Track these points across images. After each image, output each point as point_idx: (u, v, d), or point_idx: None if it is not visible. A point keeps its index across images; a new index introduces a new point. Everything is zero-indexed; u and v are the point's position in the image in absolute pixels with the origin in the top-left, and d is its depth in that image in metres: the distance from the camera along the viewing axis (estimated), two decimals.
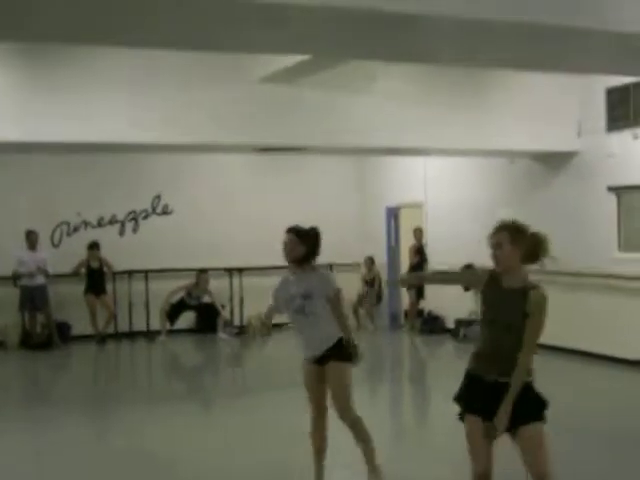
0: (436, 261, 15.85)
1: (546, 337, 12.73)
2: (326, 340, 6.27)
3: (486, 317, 5.18)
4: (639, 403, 9.76)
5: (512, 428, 4.92)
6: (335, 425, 6.39)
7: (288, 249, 6.27)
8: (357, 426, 6.36)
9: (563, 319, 12.80)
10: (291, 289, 6.29)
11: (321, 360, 6.26)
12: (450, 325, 15.40)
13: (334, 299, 6.30)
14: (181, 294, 15.73)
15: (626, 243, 12.06)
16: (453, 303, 15.30)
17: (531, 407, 4.97)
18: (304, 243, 6.23)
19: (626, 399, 9.99)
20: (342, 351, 6.24)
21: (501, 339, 5.02)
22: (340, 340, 6.26)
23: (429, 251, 16.12)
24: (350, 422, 6.34)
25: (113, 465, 7.40)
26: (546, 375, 11.37)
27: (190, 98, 10.52)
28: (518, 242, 5.02)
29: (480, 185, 14.93)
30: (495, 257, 5.06)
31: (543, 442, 4.91)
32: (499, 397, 4.88)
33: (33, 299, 14.61)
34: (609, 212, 12.15)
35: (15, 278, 14.56)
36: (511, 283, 5.05)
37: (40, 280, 14.59)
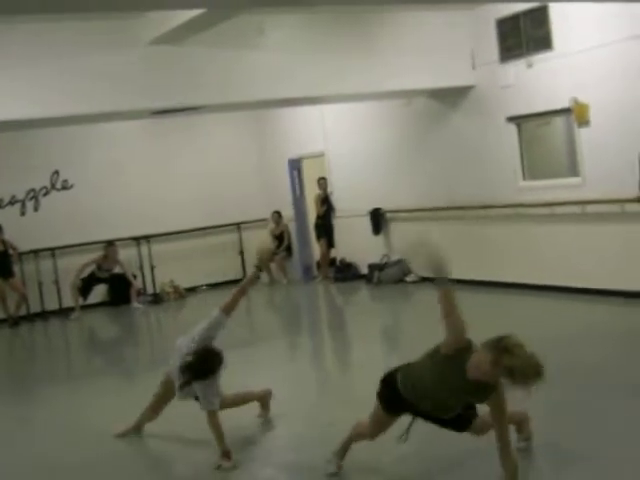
0: (342, 208, 15.94)
1: (461, 272, 12.97)
2: None
3: None
4: (560, 328, 9.93)
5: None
6: None
7: None
8: None
9: (475, 252, 13.06)
10: None
11: None
12: (363, 271, 15.52)
13: None
14: (91, 268, 15.54)
15: (529, 172, 12.26)
16: (364, 249, 15.44)
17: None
18: None
19: (546, 324, 10.19)
20: None
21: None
22: None
23: (335, 199, 16.19)
24: None
25: (35, 444, 7.29)
26: (473, 309, 11.58)
27: (80, 66, 10.29)
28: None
29: (379, 129, 15.01)
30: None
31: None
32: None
33: None
34: (510, 143, 12.32)
35: None
36: None
37: None
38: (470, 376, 4.56)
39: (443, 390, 4.76)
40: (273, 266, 16.86)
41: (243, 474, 5.93)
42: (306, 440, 6.62)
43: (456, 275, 13.49)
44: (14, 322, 14.90)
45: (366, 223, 15.23)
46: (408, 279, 14.39)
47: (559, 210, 11.56)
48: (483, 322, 10.37)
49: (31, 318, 15.37)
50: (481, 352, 4.52)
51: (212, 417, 6.14)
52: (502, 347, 4.42)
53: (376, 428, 5.36)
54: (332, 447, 5.64)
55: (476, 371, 4.52)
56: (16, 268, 15.28)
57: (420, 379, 4.88)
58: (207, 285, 16.93)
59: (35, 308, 15.60)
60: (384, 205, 14.99)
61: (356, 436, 5.54)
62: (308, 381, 9.13)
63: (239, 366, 9.62)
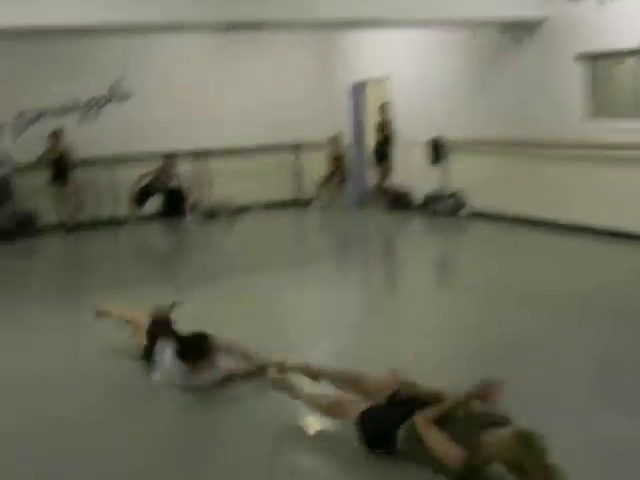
0: (402, 136, 15.79)
1: (517, 208, 12.83)
2: None
3: None
4: (615, 272, 9.81)
5: None
6: None
7: None
8: None
9: (533, 190, 12.89)
10: None
11: None
12: (418, 201, 15.41)
13: None
14: (148, 179, 15.62)
15: (594, 111, 12.00)
16: (421, 179, 15.32)
17: None
18: None
19: (602, 268, 10.08)
20: None
21: None
22: None
23: (395, 126, 16.03)
24: None
25: (83, 351, 7.41)
26: (528, 247, 11.46)
27: None
28: None
29: (444, 59, 14.75)
30: None
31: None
32: None
33: None
34: (576, 81, 12.05)
35: None
36: None
37: (4, 171, 14.42)
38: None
39: None
40: (328, 190, 16.82)
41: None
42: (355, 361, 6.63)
43: (513, 211, 13.44)
44: (69, 228, 15.08)
45: (425, 152, 15.08)
46: (462, 212, 14.28)
47: (623, 153, 11.33)
48: (538, 263, 10.36)
49: (86, 225, 15.53)
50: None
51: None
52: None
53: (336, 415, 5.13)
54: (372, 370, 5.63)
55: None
56: (74, 175, 15.40)
57: None
58: (261, 204, 16.95)
59: (90, 216, 15.75)
60: (444, 135, 14.82)
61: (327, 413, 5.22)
62: (354, 305, 9.15)
63: (288, 286, 9.70)
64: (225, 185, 16.43)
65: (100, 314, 7.47)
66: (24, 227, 14.63)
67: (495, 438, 4.23)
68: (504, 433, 4.22)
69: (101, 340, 7.49)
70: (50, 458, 5.10)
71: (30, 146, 14.85)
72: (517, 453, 4.07)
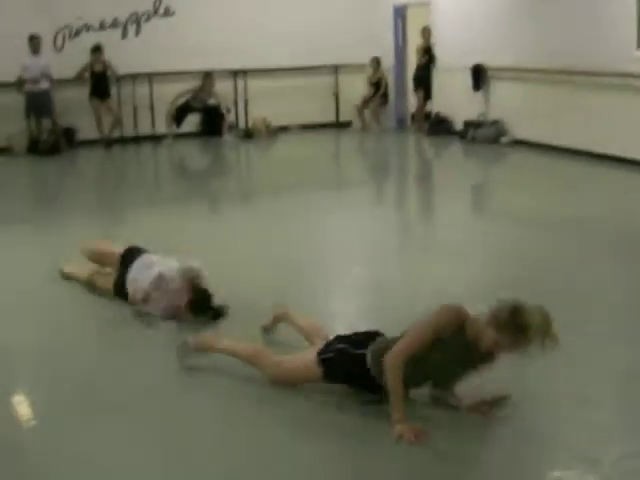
0: (443, 61, 15.61)
1: (563, 138, 12.67)
2: None
3: None
4: None
5: None
6: None
7: None
8: None
9: (579, 120, 12.72)
10: None
11: None
12: (459, 127, 15.30)
13: None
14: (186, 97, 15.59)
15: None
16: (461, 105, 15.18)
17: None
18: None
19: None
20: None
21: None
22: None
23: (437, 51, 15.84)
24: None
25: None
26: (571, 178, 11.37)
27: None
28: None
29: None
30: None
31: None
32: None
33: (38, 105, 14.51)
34: (629, 9, 11.80)
35: (19, 84, 14.42)
36: None
37: (44, 85, 14.44)
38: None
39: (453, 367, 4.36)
40: (367, 113, 16.74)
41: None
42: (385, 285, 6.67)
43: (554, 141, 13.27)
44: (108, 143, 15.13)
45: (466, 78, 14.90)
46: (503, 140, 14.16)
47: None
48: (577, 193, 10.30)
49: (124, 141, 15.58)
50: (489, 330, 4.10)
51: None
52: (518, 327, 4.01)
53: (289, 379, 4.73)
54: (409, 292, 5.65)
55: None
56: (113, 90, 15.41)
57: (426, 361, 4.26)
58: (299, 125, 16.89)
59: (129, 132, 15.78)
60: (487, 61, 14.64)
61: (247, 359, 4.88)
62: (389, 227, 9.18)
63: (324, 208, 9.73)
64: (263, 105, 16.37)
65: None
66: (64, 142, 14.70)
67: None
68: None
69: None
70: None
71: (70, 61, 14.83)
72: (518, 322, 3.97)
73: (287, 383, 4.70)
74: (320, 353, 4.56)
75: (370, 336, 4.52)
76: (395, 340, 4.29)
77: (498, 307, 4.07)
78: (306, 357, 4.64)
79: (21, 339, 5.66)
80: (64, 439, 4.24)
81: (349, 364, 4.46)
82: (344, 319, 5.90)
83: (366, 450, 4.05)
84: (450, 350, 4.16)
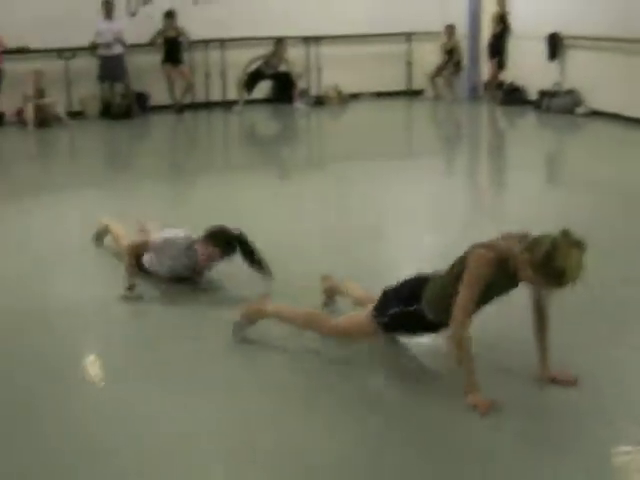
0: (519, 29, 15.34)
1: (636, 109, 12.33)
2: None
3: None
4: None
5: None
6: None
7: None
8: None
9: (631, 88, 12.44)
10: None
11: None
12: (533, 96, 15.05)
13: None
14: (258, 63, 15.55)
15: None
16: (536, 74, 14.92)
17: None
18: None
19: None
20: None
21: None
22: None
23: (512, 19, 15.57)
24: None
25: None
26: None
27: None
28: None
29: None
30: None
31: None
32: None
33: (111, 69, 14.62)
34: None
35: (93, 49, 14.54)
36: None
37: (118, 50, 14.54)
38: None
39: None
40: (439, 81, 16.56)
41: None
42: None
43: (631, 112, 12.98)
44: (179, 109, 15.19)
45: (541, 47, 14.63)
46: (578, 110, 13.89)
47: None
48: None
49: (196, 107, 15.63)
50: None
51: None
52: (553, 272, 3.89)
53: (355, 337, 4.82)
54: None
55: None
56: (185, 56, 15.45)
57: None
58: (371, 93, 16.78)
59: (200, 97, 15.83)
60: (563, 30, 14.35)
61: (304, 323, 4.87)
62: (460, 198, 9.07)
63: (393, 177, 9.64)
64: (335, 72, 16.28)
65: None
66: (136, 106, 14.79)
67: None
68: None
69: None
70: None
71: (143, 27, 14.89)
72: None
73: (346, 341, 4.79)
74: (375, 317, 4.55)
75: (418, 285, 4.47)
76: (443, 277, 4.35)
77: (535, 245, 3.97)
78: (361, 318, 4.66)
79: (90, 300, 5.72)
80: (130, 402, 4.26)
81: (407, 321, 4.48)
82: None
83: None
84: (495, 284, 4.13)
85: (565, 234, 3.92)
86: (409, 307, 4.44)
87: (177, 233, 5.94)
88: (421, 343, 4.80)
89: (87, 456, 3.74)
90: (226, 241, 5.72)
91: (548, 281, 3.95)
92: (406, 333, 4.68)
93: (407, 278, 4.62)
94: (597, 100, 13.66)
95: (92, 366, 4.73)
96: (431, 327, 4.49)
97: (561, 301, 4.31)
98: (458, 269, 4.21)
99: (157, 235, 6.01)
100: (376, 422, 4.03)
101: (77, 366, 4.71)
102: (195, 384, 4.45)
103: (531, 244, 3.99)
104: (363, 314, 4.67)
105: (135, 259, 5.88)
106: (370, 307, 4.65)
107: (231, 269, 5.88)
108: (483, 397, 4.06)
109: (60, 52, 14.48)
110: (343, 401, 4.25)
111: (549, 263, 3.87)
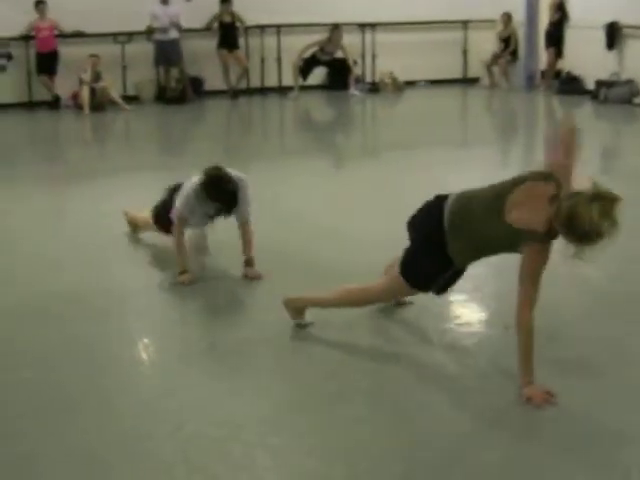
0: (577, 18, 15.14)
1: None
2: None
3: None
4: None
5: None
6: None
7: None
8: None
9: None
10: None
11: None
12: (590, 86, 14.86)
13: None
14: (314, 49, 15.53)
15: None
16: (594, 63, 14.72)
17: None
18: None
19: None
20: None
21: None
22: None
23: (570, 7, 15.38)
24: None
25: None
26: None
27: None
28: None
29: None
30: None
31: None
32: None
33: (167, 54, 14.68)
34: None
35: (149, 33, 14.62)
36: None
37: (173, 35, 14.59)
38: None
39: None
40: (495, 70, 16.42)
41: None
42: None
43: None
44: (234, 94, 15.23)
45: (600, 36, 14.45)
46: (637, 101, 13.70)
47: None
48: None
49: (251, 92, 15.66)
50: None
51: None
52: (577, 237, 3.83)
53: (384, 298, 4.92)
54: None
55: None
56: (241, 41, 15.47)
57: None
58: (426, 81, 16.70)
59: (255, 83, 15.86)
60: (621, 19, 14.14)
61: (340, 302, 4.86)
62: None
63: (446, 166, 9.58)
64: (390, 59, 16.21)
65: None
66: (191, 91, 14.86)
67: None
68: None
69: None
70: None
71: (200, 11, 14.92)
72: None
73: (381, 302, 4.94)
74: (402, 274, 4.48)
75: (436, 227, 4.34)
76: (467, 196, 4.37)
77: (558, 208, 3.85)
78: (391, 277, 4.65)
79: (140, 283, 5.77)
80: (175, 389, 4.28)
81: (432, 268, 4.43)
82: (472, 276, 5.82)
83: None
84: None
85: (587, 191, 3.85)
86: (430, 254, 4.39)
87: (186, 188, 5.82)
88: None
89: (131, 444, 3.74)
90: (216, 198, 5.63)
91: (576, 244, 3.84)
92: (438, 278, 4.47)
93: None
94: None
95: (142, 351, 4.76)
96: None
97: None
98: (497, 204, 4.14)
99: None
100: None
101: (127, 352, 4.75)
102: (244, 371, 4.47)
103: (557, 207, 3.87)
104: (392, 274, 4.63)
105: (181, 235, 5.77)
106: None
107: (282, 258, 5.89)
108: (540, 389, 3.97)
109: (116, 36, 14.60)
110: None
111: (572, 230, 3.79)
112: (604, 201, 3.80)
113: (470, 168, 9.59)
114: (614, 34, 14.29)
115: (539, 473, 3.49)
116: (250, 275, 5.70)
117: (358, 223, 7.04)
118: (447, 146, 11.08)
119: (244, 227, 5.78)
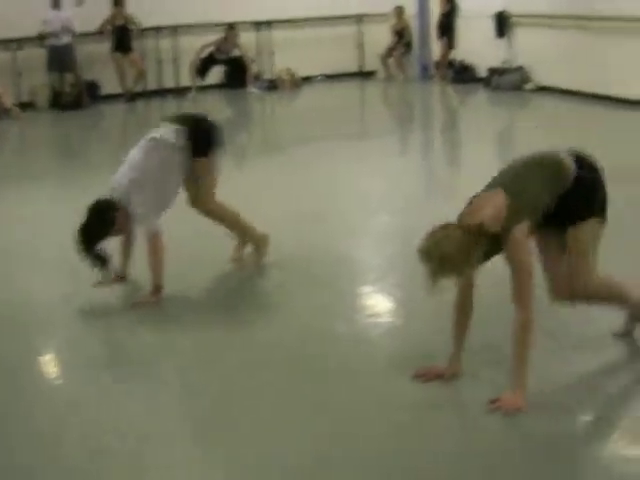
0: (466, 8, 15.42)
1: (580, 84, 12.45)
2: None
3: None
4: None
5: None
6: None
7: None
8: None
9: (596, 65, 12.61)
10: None
11: None
12: (482, 74, 15.16)
13: None
14: (210, 49, 15.50)
15: None
16: (485, 52, 15.03)
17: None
18: None
19: None
20: None
21: None
22: None
23: None
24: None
25: None
26: (589, 125, 11.24)
27: None
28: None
29: None
30: None
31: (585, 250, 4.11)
32: None
33: (60, 59, 14.48)
34: None
35: (41, 38, 14.41)
36: None
37: (66, 39, 14.40)
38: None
39: None
40: (391, 62, 16.63)
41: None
42: (412, 233, 6.67)
43: (578, 87, 13.12)
44: (130, 97, 15.11)
45: (490, 25, 14.74)
46: (527, 87, 14.04)
47: None
48: (602, 138, 10.20)
49: (148, 95, 15.56)
50: None
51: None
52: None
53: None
54: None
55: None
56: (136, 44, 15.36)
57: None
58: (323, 75, 16.82)
59: (152, 85, 15.77)
60: (510, 8, 14.47)
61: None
62: (415, 176, 9.16)
63: (348, 158, 9.70)
64: (288, 56, 16.28)
65: None
66: (86, 96, 14.70)
67: None
68: None
69: None
70: None
71: (92, 15, 14.75)
72: None
73: None
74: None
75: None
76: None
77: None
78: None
79: (54, 294, 5.75)
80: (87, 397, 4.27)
81: None
82: (375, 267, 5.94)
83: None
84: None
85: None
86: None
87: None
88: None
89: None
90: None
91: None
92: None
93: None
94: (545, 76, 13.81)
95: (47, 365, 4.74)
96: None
97: None
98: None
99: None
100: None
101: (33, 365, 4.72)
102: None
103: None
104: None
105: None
106: None
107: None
108: (523, 398, 3.84)
109: (6, 43, 14.35)
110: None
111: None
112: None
113: (369, 159, 9.76)
114: (503, 23, 14.59)
115: None
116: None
117: (262, 219, 7.10)
118: (346, 139, 11.21)
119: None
